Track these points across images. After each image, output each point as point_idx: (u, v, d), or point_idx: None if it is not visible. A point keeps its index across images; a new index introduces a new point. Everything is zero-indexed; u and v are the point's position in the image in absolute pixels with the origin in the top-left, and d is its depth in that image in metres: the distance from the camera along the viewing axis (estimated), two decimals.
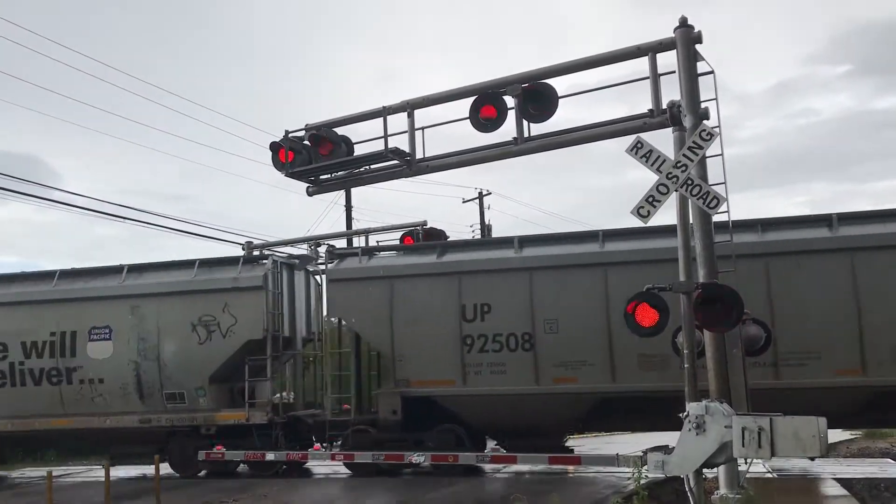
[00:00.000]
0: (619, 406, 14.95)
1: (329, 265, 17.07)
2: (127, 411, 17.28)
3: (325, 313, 19.08)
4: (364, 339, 17.04)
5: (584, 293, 15.06)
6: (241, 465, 17.34)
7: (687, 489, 8.54)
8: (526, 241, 16.09)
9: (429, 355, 15.68)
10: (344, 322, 17.48)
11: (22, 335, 17.83)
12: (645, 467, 9.39)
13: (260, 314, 16.86)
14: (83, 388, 17.49)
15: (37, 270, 19.13)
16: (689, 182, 9.37)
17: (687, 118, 10.34)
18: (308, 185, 13.71)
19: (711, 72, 10.56)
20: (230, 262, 17.98)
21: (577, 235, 16.34)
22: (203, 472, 17.29)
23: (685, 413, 8.37)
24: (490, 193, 39.02)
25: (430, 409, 15.85)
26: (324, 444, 17.01)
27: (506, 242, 16.18)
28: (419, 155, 12.54)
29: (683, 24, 10.56)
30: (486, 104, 11.61)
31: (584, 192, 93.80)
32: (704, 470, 8.80)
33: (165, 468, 17.85)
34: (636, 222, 9.66)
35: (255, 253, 20.03)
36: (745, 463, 9.02)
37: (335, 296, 16.90)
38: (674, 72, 10.67)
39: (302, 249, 22.04)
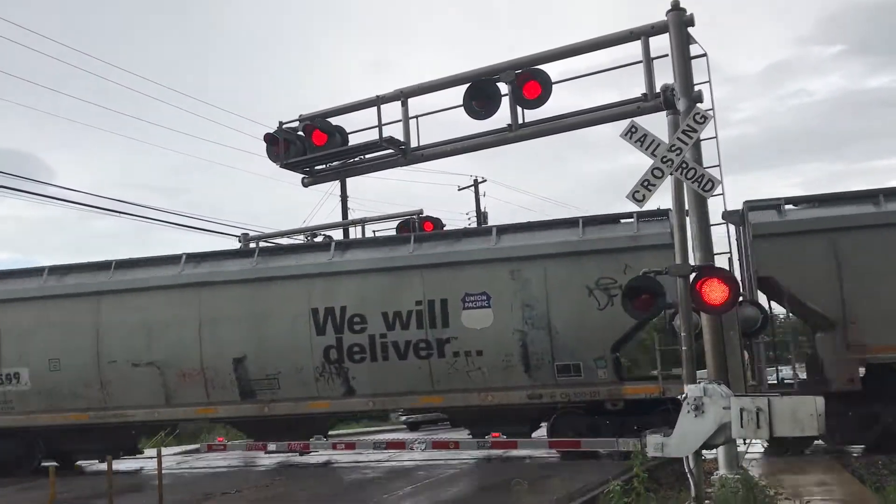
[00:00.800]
0: None
1: (751, 219, 15.09)
2: (509, 386, 15.55)
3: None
4: (800, 301, 14.87)
5: None
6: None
7: (686, 471, 8.59)
8: None
9: (893, 317, 13.93)
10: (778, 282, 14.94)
11: (383, 305, 16.09)
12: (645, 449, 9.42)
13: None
14: (457, 362, 15.69)
15: (389, 235, 17.43)
16: (684, 165, 9.39)
17: (680, 101, 10.37)
18: (303, 175, 13.72)
19: (704, 54, 10.59)
20: (615, 218, 16.23)
21: None
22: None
23: (683, 395, 8.42)
24: (485, 181, 38.91)
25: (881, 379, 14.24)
26: None
27: None
28: (414, 143, 12.56)
29: (675, 6, 10.59)
30: (479, 95, 11.64)
31: (579, 177, 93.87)
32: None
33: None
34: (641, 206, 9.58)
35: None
36: (744, 444, 9.08)
37: (765, 252, 14.85)
38: (667, 55, 10.71)
39: (299, 240, 22.13)
